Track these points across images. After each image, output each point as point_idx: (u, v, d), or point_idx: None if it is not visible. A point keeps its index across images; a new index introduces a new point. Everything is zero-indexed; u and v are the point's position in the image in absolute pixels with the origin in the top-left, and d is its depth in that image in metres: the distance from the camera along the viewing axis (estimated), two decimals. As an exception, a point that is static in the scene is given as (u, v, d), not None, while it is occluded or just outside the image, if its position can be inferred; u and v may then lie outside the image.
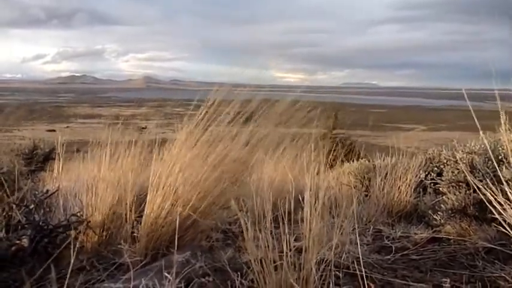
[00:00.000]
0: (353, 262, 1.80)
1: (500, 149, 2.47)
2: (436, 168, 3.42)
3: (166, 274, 1.32)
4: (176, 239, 1.44)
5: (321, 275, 1.49)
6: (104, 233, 2.20)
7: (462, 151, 2.74)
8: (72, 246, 1.20)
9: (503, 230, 1.81)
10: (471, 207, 2.56)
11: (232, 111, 2.28)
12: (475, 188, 1.96)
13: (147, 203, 2.08)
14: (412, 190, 3.30)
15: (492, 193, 1.82)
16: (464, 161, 2.62)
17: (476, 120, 1.68)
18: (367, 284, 1.29)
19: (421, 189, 3.38)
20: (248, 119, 2.33)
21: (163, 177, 2.07)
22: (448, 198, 2.68)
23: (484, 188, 1.84)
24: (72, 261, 1.08)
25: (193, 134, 2.19)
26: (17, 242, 1.79)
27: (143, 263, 1.88)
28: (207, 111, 2.22)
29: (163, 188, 2.05)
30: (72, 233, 1.93)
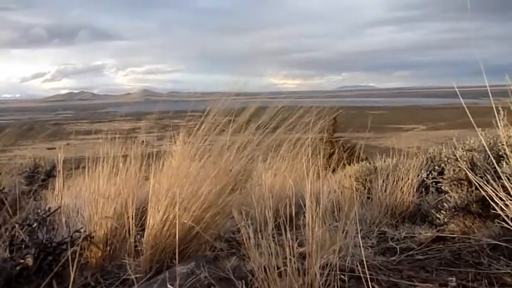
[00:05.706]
0: (358, 265, 1.79)
1: (500, 144, 2.47)
2: (437, 167, 3.42)
3: (170, 286, 1.32)
4: (177, 251, 1.44)
5: (326, 280, 1.49)
6: (108, 248, 2.20)
7: (462, 149, 2.74)
8: (75, 263, 1.20)
9: (507, 226, 1.81)
10: (474, 204, 2.56)
11: (230, 120, 2.29)
12: (477, 185, 1.95)
13: (148, 216, 2.08)
14: (415, 190, 3.30)
15: (493, 189, 1.82)
16: (465, 159, 2.62)
17: (471, 117, 1.69)
18: (373, 286, 1.28)
19: (423, 189, 3.38)
20: (247, 127, 2.34)
21: (163, 190, 2.07)
22: (451, 197, 2.68)
23: (485, 185, 1.84)
24: (72, 277, 1.08)
25: (193, 145, 2.20)
26: (21, 261, 1.79)
27: (148, 276, 1.88)
28: (205, 121, 2.23)
29: (164, 200, 2.05)
30: (76, 249, 1.93)
